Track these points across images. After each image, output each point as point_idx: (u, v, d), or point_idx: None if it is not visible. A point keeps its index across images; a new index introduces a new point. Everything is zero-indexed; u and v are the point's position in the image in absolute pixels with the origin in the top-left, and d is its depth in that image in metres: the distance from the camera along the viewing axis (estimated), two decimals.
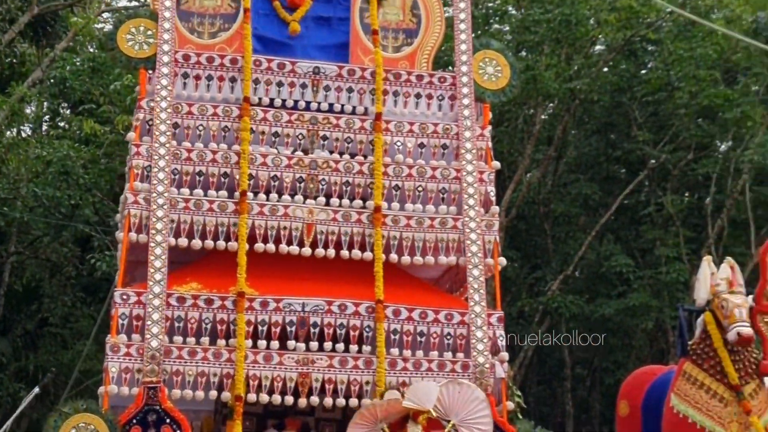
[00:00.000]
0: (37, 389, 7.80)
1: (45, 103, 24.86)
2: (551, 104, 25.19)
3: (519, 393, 11.51)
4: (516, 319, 24.23)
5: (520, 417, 10.96)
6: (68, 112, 25.83)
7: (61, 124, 25.81)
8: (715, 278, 10.34)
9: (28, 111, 24.88)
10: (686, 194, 25.43)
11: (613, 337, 25.07)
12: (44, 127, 26.21)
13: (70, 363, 20.24)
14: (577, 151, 26.35)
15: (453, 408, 9.13)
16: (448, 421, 9.01)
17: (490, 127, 11.29)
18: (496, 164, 11.24)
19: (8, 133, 23.66)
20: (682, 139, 23.72)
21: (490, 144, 11.22)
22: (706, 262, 10.47)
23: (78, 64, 22.72)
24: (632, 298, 22.35)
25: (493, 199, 11.03)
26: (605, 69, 24.16)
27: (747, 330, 9.92)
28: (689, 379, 10.24)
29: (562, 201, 25.55)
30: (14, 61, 25.83)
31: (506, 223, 22.79)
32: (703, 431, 10.02)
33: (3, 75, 25.89)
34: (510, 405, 10.43)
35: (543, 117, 24.96)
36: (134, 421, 9.46)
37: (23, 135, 25.00)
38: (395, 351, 10.20)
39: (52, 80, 23.04)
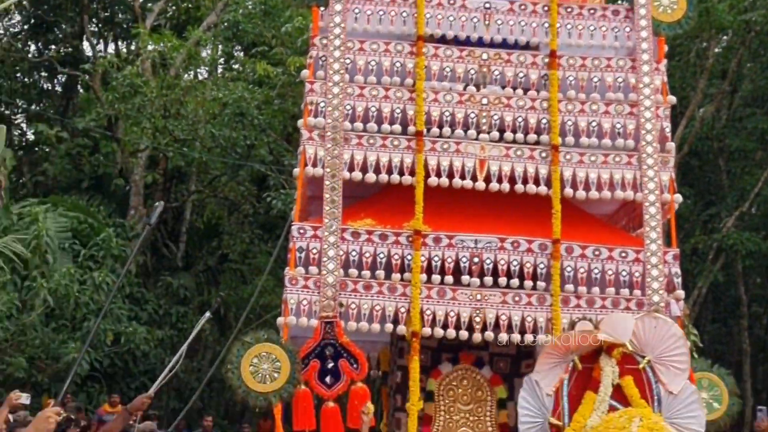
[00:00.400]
0: (208, 314, 8.11)
1: (219, 47, 25.57)
2: (725, 37, 24.26)
3: (695, 332, 11.29)
4: (690, 256, 23.68)
5: (696, 356, 10.74)
6: (242, 54, 26.50)
7: (235, 66, 26.51)
8: None
9: (203, 54, 25.65)
10: None
11: None
12: (219, 70, 26.98)
13: (248, 297, 20.98)
14: (753, 85, 25.37)
15: (649, 343, 8.61)
16: (643, 357, 8.50)
17: (665, 61, 10.96)
18: (672, 99, 10.94)
19: (186, 76, 24.49)
20: None
21: (665, 78, 10.90)
22: None
23: (250, 7, 23.23)
24: None
25: (669, 135, 10.75)
26: None
27: None
28: None
29: (737, 136, 24.73)
30: (189, 6, 26.65)
31: (678, 159, 22.20)
32: None
33: (179, 20, 26.75)
34: (687, 344, 10.24)
35: (717, 50, 24.08)
36: (312, 354, 9.75)
37: (200, 78, 25.82)
38: (569, 288, 10.14)
39: (225, 24, 23.64)
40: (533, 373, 8.10)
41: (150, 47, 23.24)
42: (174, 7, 27.74)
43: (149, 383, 19.17)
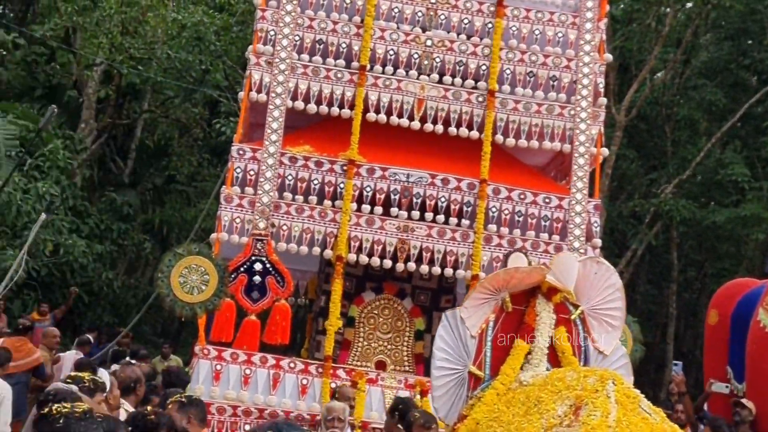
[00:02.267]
0: (44, 215, 8.33)
1: None
2: (687, 5, 24.70)
3: None
4: (627, 218, 24.30)
5: None
6: None
7: None
8: None
9: None
10: None
11: (724, 244, 24.98)
12: None
13: (192, 220, 21.25)
14: (708, 56, 25.86)
15: (584, 291, 7.00)
16: (576, 307, 6.92)
17: (606, 20, 11.40)
18: (608, 57, 11.39)
19: None
20: None
21: (604, 36, 11.34)
22: None
23: None
24: (745, 208, 22.15)
25: (602, 90, 11.21)
26: None
27: None
28: None
29: (685, 105, 25.25)
30: None
31: (626, 123, 22.75)
32: None
33: None
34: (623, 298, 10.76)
35: (676, 18, 24.51)
36: (241, 269, 10.16)
37: None
38: (492, 227, 10.63)
39: None
40: (460, 308, 6.75)
41: None
42: None
43: (84, 295, 19.53)
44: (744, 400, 9.25)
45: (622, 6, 24.57)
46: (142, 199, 24.60)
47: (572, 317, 6.80)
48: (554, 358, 6.51)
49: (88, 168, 23.50)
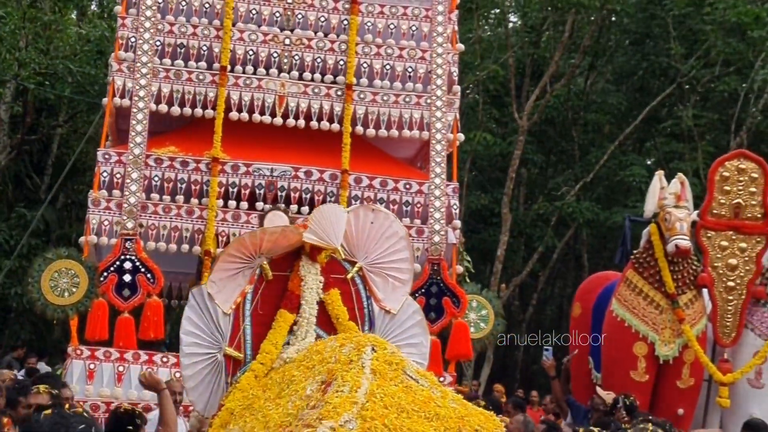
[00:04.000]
0: None
1: None
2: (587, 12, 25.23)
3: (468, 258, 12.29)
4: (534, 221, 24.75)
5: (468, 281, 11.79)
6: None
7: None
8: (664, 192, 10.57)
9: None
10: (711, 111, 25.18)
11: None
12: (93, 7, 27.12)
13: None
14: (612, 61, 26.40)
15: (361, 244, 6.20)
16: (353, 263, 6.14)
17: (456, 12, 11.94)
18: (461, 47, 11.92)
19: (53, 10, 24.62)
20: (712, 56, 23.50)
21: (456, 27, 11.86)
22: (658, 177, 10.76)
23: None
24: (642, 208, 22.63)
25: (456, 78, 11.72)
26: None
27: (685, 243, 10.18)
28: (630, 286, 10.58)
29: (591, 109, 25.78)
30: None
31: (530, 127, 23.15)
32: (637, 335, 10.38)
33: None
34: (459, 269, 11.32)
35: (579, 25, 24.98)
36: (111, 268, 10.48)
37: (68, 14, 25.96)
38: None
39: None
40: (207, 283, 5.89)
41: None
42: None
43: None
44: (599, 389, 9.70)
45: (533, 14, 25.07)
46: (58, 216, 24.74)
47: (349, 276, 6.08)
48: (330, 327, 5.85)
49: (2, 184, 23.62)
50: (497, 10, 26.18)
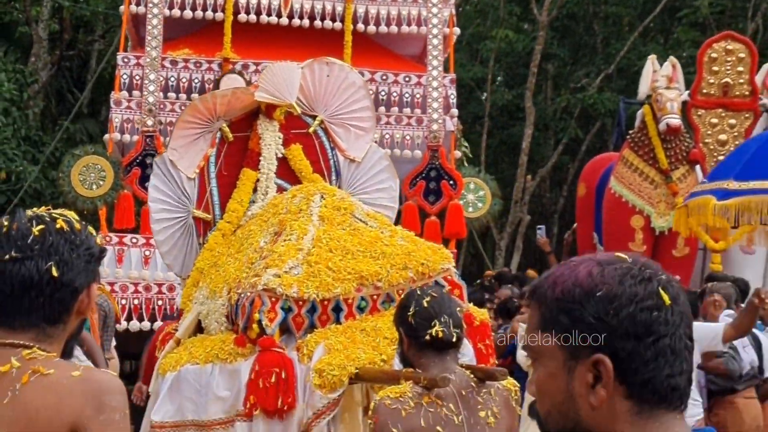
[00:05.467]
0: None
1: None
2: None
3: (466, 144, 13.05)
4: (558, 113, 25.25)
5: (466, 165, 12.58)
6: None
7: None
8: (656, 75, 11.18)
9: None
10: None
11: None
12: None
13: None
14: None
15: (320, 98, 6.36)
16: (314, 117, 6.31)
17: None
18: None
19: None
20: None
21: None
22: (650, 60, 11.44)
23: None
24: None
25: None
26: None
27: (675, 121, 10.84)
28: (627, 164, 11.29)
29: (611, 2, 25.96)
30: None
31: (550, 22, 23.48)
32: (634, 209, 11.13)
33: None
34: (457, 154, 12.12)
35: None
36: (134, 162, 11.39)
37: None
38: None
39: None
40: (168, 150, 6.07)
41: None
42: None
43: None
44: None
45: None
46: (101, 128, 25.78)
47: (311, 130, 6.24)
48: (296, 181, 6.06)
49: (44, 100, 24.65)
50: None
